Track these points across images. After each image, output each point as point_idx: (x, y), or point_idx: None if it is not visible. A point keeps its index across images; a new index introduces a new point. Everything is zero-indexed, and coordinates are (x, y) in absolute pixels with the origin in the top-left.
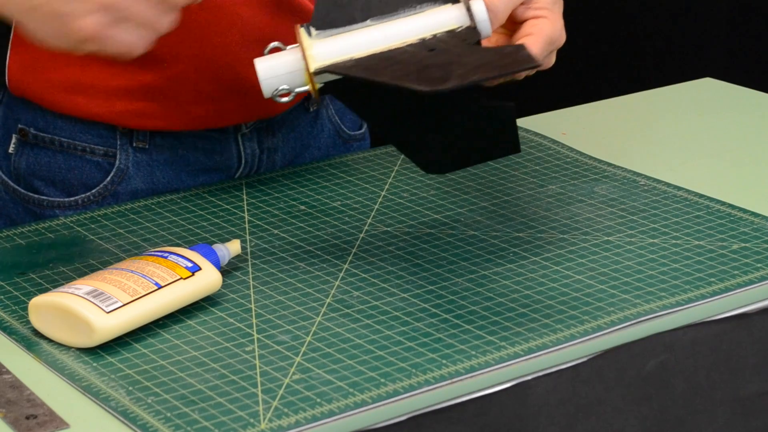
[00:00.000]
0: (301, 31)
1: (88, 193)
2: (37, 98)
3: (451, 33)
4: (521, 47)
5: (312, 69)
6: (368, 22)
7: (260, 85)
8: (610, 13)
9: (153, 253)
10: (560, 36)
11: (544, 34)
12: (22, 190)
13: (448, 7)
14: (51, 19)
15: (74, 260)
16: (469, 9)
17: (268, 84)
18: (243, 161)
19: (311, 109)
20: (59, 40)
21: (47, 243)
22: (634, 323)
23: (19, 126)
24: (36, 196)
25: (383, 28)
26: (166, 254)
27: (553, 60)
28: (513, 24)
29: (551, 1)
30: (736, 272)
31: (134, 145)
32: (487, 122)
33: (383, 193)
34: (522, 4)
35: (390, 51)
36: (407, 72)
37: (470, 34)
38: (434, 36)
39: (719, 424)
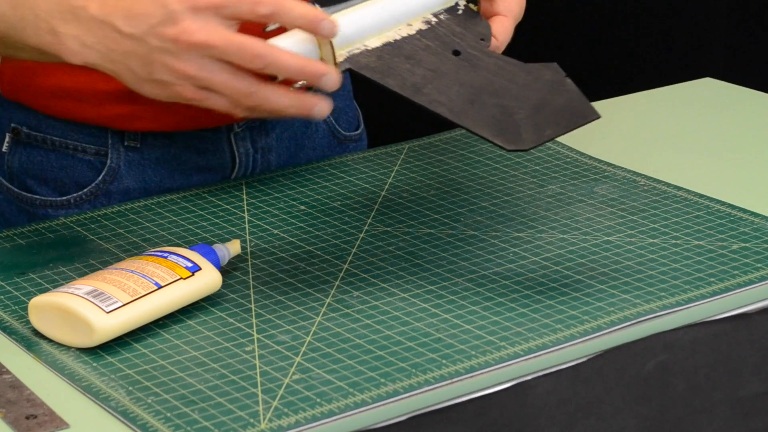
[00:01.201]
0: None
1: (80, 192)
2: (29, 102)
3: (453, 15)
4: (563, 78)
5: (338, 63)
6: None
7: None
8: (609, 13)
9: (153, 253)
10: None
11: (513, 13)
12: (16, 189)
13: None
14: (152, 71)
15: (74, 260)
16: None
17: None
18: (237, 161)
19: None
20: (158, 95)
21: (47, 243)
22: (634, 323)
23: (12, 125)
24: (29, 195)
25: (385, 5)
26: (166, 254)
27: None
28: None
29: None
30: (736, 272)
31: (126, 144)
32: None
33: (383, 193)
34: None
35: (404, 41)
36: (457, 100)
37: (472, 20)
38: (438, 18)
39: (719, 424)
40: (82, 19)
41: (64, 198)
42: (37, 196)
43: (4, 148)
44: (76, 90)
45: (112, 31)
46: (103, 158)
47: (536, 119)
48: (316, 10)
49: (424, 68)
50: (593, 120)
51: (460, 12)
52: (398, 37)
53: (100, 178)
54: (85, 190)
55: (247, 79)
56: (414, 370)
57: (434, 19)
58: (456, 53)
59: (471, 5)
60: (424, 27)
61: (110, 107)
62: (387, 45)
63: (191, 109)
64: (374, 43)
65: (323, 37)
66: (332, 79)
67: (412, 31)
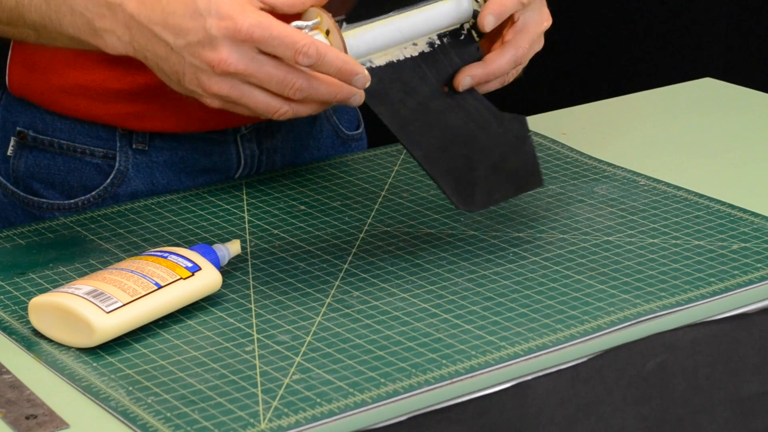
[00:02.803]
0: (328, 18)
1: (88, 195)
2: (38, 99)
3: (455, 40)
4: (526, 135)
5: None
6: (392, 14)
7: None
8: (610, 13)
9: (153, 253)
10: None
11: (530, 30)
12: (22, 193)
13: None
14: (181, 79)
15: (74, 260)
16: None
17: None
18: (242, 162)
19: None
20: (187, 93)
21: (47, 243)
22: (634, 323)
23: (18, 128)
24: (36, 198)
25: (400, 23)
26: (166, 254)
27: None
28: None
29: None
30: (736, 272)
31: (134, 146)
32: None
33: (383, 193)
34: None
35: (405, 64)
36: (433, 145)
37: (470, 50)
38: (442, 41)
39: (719, 424)
40: (119, 15)
41: (72, 201)
42: (44, 200)
43: (9, 152)
44: (86, 87)
45: (150, 34)
46: (111, 161)
47: (492, 179)
48: (353, 65)
49: (416, 101)
50: (536, 188)
51: (462, 37)
52: (401, 57)
53: (108, 181)
54: (93, 193)
55: (293, 73)
56: (414, 370)
57: (438, 42)
58: (446, 85)
59: (473, 32)
60: (427, 49)
61: (120, 105)
62: (390, 65)
63: (200, 111)
64: (379, 60)
65: (356, 88)
66: (365, 77)
67: (415, 53)
